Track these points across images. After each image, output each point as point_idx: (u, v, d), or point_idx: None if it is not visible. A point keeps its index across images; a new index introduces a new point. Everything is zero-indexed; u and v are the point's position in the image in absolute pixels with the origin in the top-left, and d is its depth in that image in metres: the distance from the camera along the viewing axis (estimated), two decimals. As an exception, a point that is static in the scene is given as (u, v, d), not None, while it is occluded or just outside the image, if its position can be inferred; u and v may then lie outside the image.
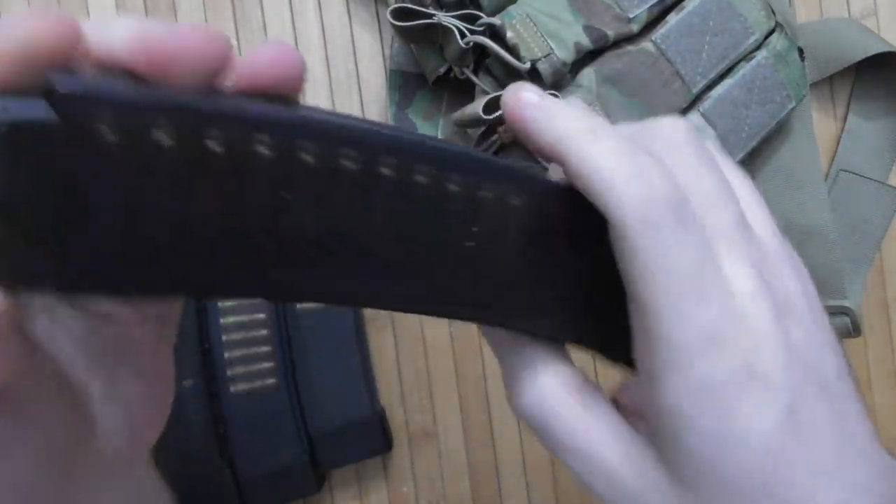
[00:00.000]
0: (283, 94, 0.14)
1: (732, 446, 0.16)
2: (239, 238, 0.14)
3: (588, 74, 0.36)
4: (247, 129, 0.13)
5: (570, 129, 0.16)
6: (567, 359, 0.19)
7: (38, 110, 0.11)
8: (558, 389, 0.18)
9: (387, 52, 0.41)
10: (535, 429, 0.18)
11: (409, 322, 0.41)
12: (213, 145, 0.13)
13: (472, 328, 0.42)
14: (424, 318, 0.41)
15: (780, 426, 0.16)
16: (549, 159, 0.17)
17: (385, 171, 0.14)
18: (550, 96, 0.18)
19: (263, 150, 0.13)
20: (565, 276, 0.18)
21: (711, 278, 0.16)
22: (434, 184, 0.15)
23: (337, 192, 0.14)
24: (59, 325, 0.16)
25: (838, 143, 0.43)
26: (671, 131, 0.18)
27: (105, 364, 0.17)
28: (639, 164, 0.16)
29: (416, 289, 0.16)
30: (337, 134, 0.14)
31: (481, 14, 0.36)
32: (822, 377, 0.17)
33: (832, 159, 0.44)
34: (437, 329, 0.41)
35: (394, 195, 0.15)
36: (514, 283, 0.17)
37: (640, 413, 0.18)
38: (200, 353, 0.37)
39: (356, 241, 0.15)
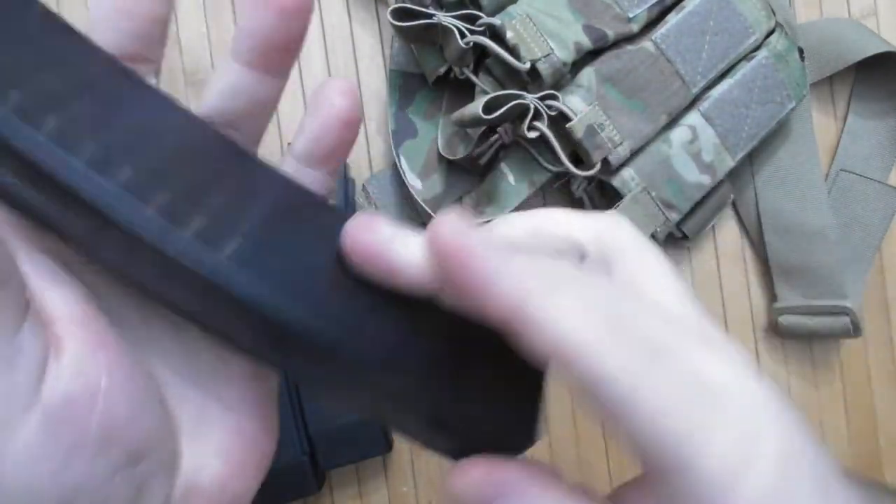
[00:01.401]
0: None
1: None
2: None
3: (588, 74, 0.36)
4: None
5: (524, 288, 0.14)
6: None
7: None
8: None
9: (387, 52, 0.41)
10: None
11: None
12: None
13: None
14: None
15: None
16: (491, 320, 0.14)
17: None
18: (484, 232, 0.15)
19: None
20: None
21: (712, 399, 0.14)
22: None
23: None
24: (155, 343, 0.16)
25: (838, 143, 0.43)
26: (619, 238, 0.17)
27: (197, 391, 0.17)
28: (611, 322, 0.14)
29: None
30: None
31: (481, 14, 0.36)
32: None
33: (832, 159, 0.44)
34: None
35: None
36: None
37: None
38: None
39: None
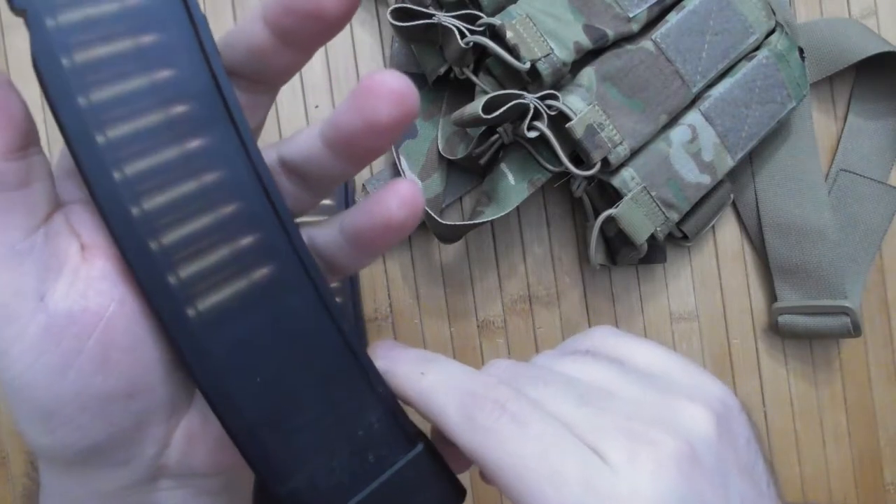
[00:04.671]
0: None
1: None
2: None
3: (588, 74, 0.36)
4: None
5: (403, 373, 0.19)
6: None
7: None
8: None
9: (387, 52, 0.41)
10: None
11: (408, 320, 0.41)
12: None
13: (471, 327, 0.42)
14: (424, 316, 0.41)
15: None
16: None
17: None
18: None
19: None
20: None
21: (564, 462, 0.16)
22: None
23: None
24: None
25: (838, 143, 0.43)
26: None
27: None
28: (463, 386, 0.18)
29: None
30: None
31: (481, 14, 0.36)
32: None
33: (832, 159, 0.44)
34: (436, 328, 0.41)
35: None
36: None
37: None
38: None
39: None
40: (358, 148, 0.17)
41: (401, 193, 0.17)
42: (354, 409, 0.18)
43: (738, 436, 0.19)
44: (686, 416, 0.17)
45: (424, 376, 0.19)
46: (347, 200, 0.39)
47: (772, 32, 0.39)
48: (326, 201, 0.39)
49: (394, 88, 0.16)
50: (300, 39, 0.16)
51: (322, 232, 0.20)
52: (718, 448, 0.17)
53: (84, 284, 0.16)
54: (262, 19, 0.16)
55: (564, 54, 0.35)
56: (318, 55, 0.41)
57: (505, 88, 0.36)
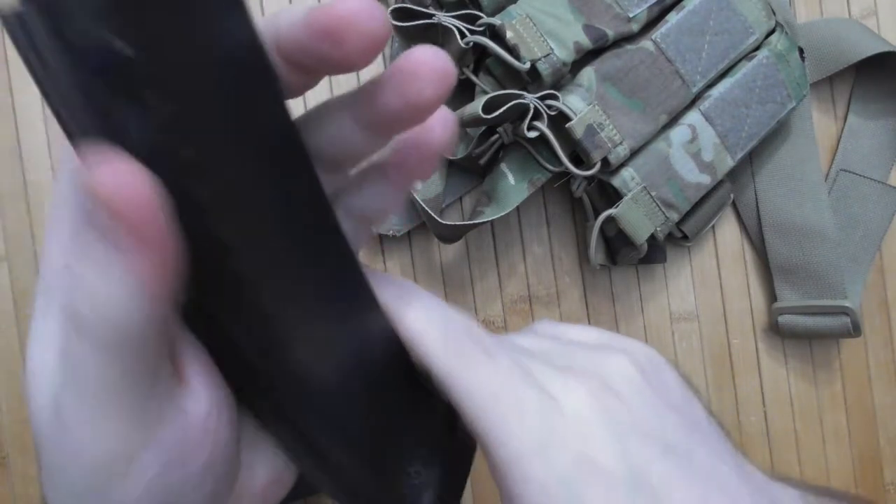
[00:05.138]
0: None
1: None
2: None
3: (588, 74, 0.36)
4: None
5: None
6: None
7: None
8: None
9: (387, 51, 0.41)
10: None
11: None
12: None
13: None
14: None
15: (633, 498, 0.18)
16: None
17: None
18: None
19: None
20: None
21: (525, 393, 0.18)
22: None
23: None
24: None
25: (838, 143, 0.43)
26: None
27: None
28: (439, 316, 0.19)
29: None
30: None
31: (481, 14, 0.36)
32: (664, 440, 0.19)
33: (832, 159, 0.44)
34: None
35: None
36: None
37: None
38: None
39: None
40: (398, 127, 0.17)
41: (439, 115, 0.17)
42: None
43: (665, 381, 0.22)
44: (612, 362, 0.21)
45: (410, 304, 0.19)
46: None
47: (772, 32, 0.39)
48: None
49: (436, 68, 0.15)
50: (311, 70, 0.16)
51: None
52: (642, 386, 0.20)
53: (192, 403, 0.15)
54: (276, 50, 0.16)
55: (564, 54, 0.35)
56: (318, 55, 0.42)
57: (505, 88, 0.36)
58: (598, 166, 0.36)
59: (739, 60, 0.38)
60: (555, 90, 0.36)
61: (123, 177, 0.11)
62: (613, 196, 0.37)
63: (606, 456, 0.18)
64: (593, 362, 0.21)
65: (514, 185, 0.38)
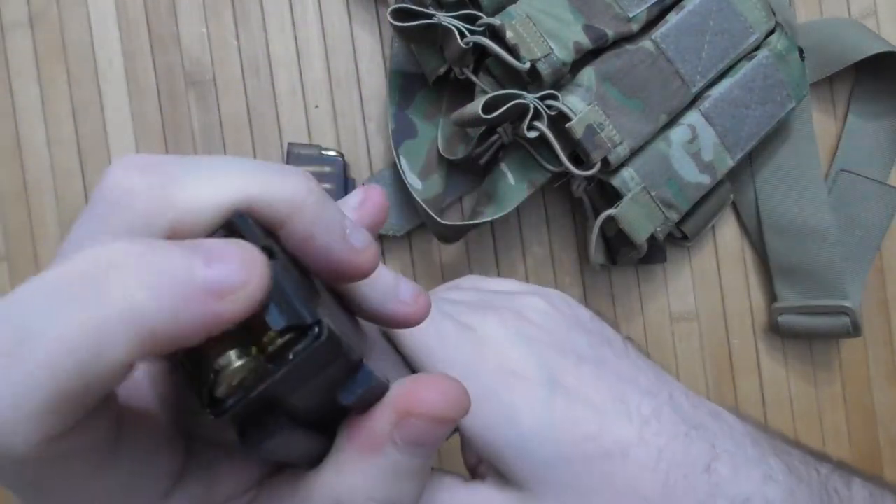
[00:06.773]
0: None
1: (527, 432, 0.20)
2: None
3: (588, 74, 0.36)
4: None
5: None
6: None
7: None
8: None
9: (387, 52, 0.41)
10: None
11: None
12: None
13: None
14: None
15: (552, 396, 0.21)
16: None
17: None
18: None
19: None
20: None
21: (444, 325, 0.22)
22: None
23: None
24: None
25: (838, 143, 0.43)
26: None
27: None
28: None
29: None
30: None
31: (481, 14, 0.36)
32: (577, 350, 0.23)
33: (832, 159, 0.44)
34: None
35: None
36: None
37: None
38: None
39: None
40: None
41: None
42: None
43: (578, 314, 0.25)
44: (526, 300, 0.24)
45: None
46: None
47: (772, 32, 0.39)
48: (325, 185, 0.39)
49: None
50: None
51: None
52: (555, 314, 0.24)
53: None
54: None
55: (564, 54, 0.35)
56: (319, 55, 0.42)
57: (505, 88, 0.36)
58: (597, 166, 0.36)
59: (739, 60, 0.38)
60: (555, 90, 0.36)
61: None
62: (613, 196, 0.37)
63: (524, 366, 0.21)
64: (510, 302, 0.24)
65: (513, 185, 0.38)
